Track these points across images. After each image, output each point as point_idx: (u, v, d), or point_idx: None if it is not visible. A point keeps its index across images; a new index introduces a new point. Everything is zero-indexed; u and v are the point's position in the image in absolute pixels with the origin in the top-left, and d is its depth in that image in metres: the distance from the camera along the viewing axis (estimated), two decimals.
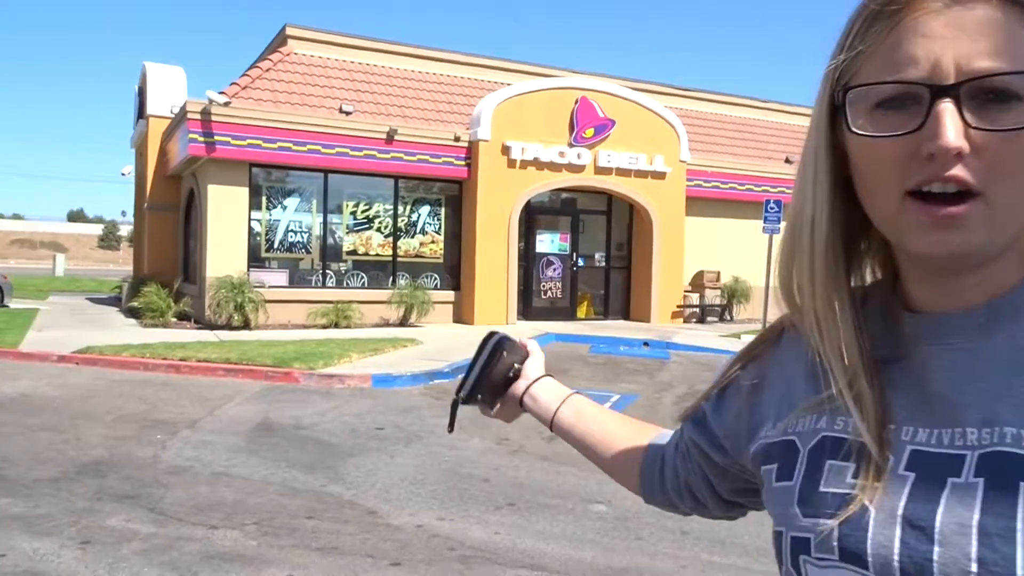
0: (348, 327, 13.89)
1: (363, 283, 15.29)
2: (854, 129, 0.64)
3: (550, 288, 16.67)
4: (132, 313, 15.37)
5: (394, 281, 15.35)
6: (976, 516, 0.57)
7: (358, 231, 15.26)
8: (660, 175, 16.72)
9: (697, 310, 17.55)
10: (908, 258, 0.68)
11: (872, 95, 0.63)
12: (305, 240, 14.86)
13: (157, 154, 17.68)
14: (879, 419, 0.65)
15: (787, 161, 19.37)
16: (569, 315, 16.72)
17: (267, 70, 15.40)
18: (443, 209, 15.94)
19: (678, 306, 17.09)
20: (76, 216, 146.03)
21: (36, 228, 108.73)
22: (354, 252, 15.27)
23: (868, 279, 0.75)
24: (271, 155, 13.89)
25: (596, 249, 17.38)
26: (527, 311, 16.21)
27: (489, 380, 1.11)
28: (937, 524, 0.59)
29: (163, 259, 17.71)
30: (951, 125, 0.59)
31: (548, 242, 16.64)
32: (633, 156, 16.33)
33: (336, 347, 10.82)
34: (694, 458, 0.93)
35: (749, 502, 0.92)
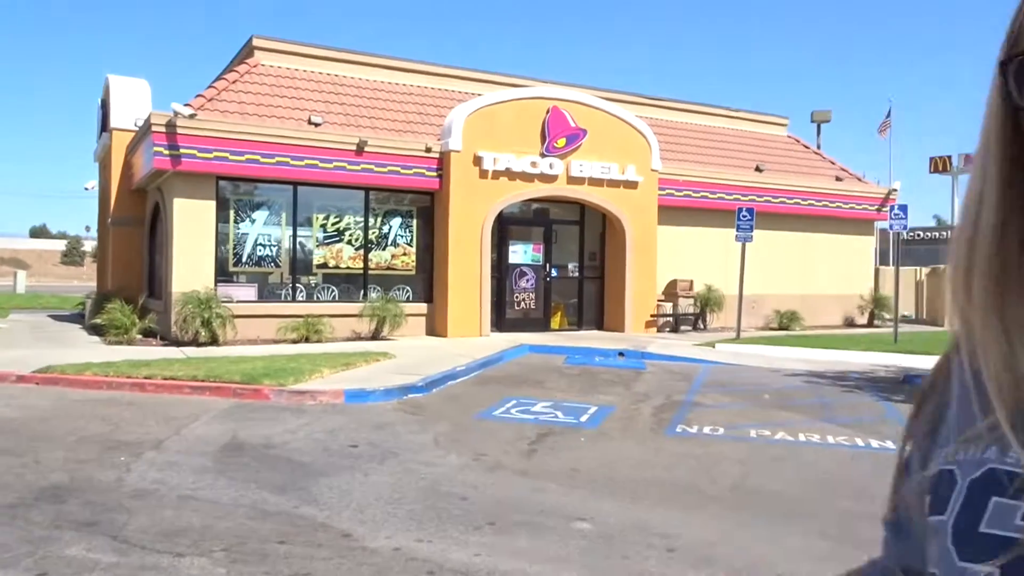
0: (319, 341, 13.64)
1: (334, 296, 15.05)
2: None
3: (524, 299, 16.56)
4: (95, 330, 14.95)
5: (365, 294, 15.13)
6: None
7: (328, 244, 15.03)
8: (632, 184, 16.72)
9: (671, 319, 17.54)
10: None
11: None
12: (274, 254, 14.59)
13: (121, 168, 17.28)
14: None
15: (758, 169, 19.51)
16: (543, 326, 16.61)
17: (233, 82, 15.16)
18: (415, 221, 15.77)
19: (652, 315, 17.07)
20: (39, 232, 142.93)
21: None
22: (324, 265, 15.02)
23: None
24: (238, 167, 13.64)
25: (569, 259, 17.32)
26: (501, 322, 16.08)
27: None
28: None
29: (128, 275, 17.29)
30: None
31: (521, 253, 16.54)
32: (605, 166, 16.32)
33: (307, 362, 10.58)
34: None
35: None
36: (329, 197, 14.97)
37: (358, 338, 14.40)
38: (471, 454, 6.58)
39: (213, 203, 13.76)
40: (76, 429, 7.26)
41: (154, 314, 14.40)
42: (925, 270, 23.80)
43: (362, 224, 15.24)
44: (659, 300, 17.47)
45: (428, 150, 15.08)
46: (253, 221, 14.37)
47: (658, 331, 17.16)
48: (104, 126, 18.43)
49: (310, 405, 8.63)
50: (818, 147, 27.39)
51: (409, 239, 15.71)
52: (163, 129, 13.02)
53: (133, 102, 17.22)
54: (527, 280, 16.53)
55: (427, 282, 15.73)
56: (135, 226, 17.27)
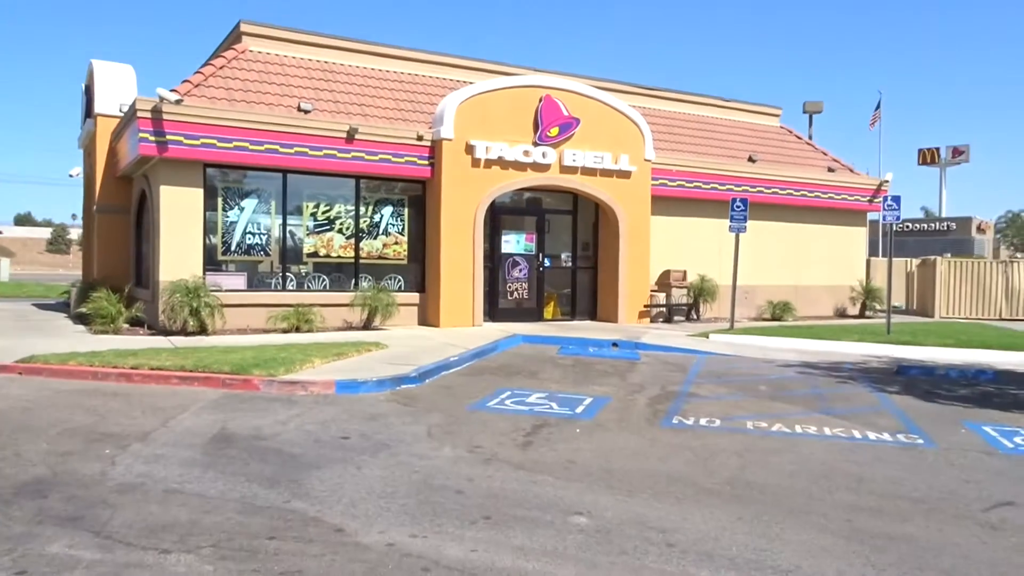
0: (310, 331, 13.48)
1: (325, 286, 14.87)
2: None
3: (516, 289, 16.43)
4: (81, 319, 14.73)
5: (357, 283, 14.97)
6: None
7: (319, 232, 14.84)
8: (625, 174, 16.60)
9: (664, 309, 17.47)
10: None
11: None
12: (264, 242, 14.39)
13: (106, 155, 17.00)
14: None
15: (751, 160, 19.41)
16: (536, 316, 16.50)
17: (221, 67, 14.91)
18: (406, 209, 15.60)
19: (645, 306, 16.98)
20: (23, 219, 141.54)
21: None
22: (315, 254, 14.84)
23: None
24: (226, 155, 13.41)
25: (562, 249, 17.20)
26: (493, 312, 15.95)
27: None
28: None
29: (114, 263, 17.04)
30: None
31: (514, 242, 16.40)
32: (598, 155, 16.18)
33: (298, 352, 10.42)
34: None
35: None
36: (319, 185, 14.77)
37: (350, 328, 14.24)
38: (465, 446, 6.47)
39: (201, 191, 13.54)
40: (59, 421, 7.09)
41: (141, 303, 14.19)
42: (915, 261, 23.84)
43: (353, 213, 15.05)
44: (652, 290, 17.39)
45: (420, 138, 14.90)
46: (242, 209, 14.16)
47: (651, 321, 17.08)
48: (88, 112, 18.12)
49: (301, 396, 8.49)
50: (810, 138, 27.35)
51: (401, 228, 15.54)
52: (148, 115, 12.78)
53: (118, 88, 16.93)
54: (520, 270, 16.41)
55: (419, 271, 15.58)
56: (121, 213, 17.01)
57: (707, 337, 14.35)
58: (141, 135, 12.84)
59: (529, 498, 5.13)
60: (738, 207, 15.61)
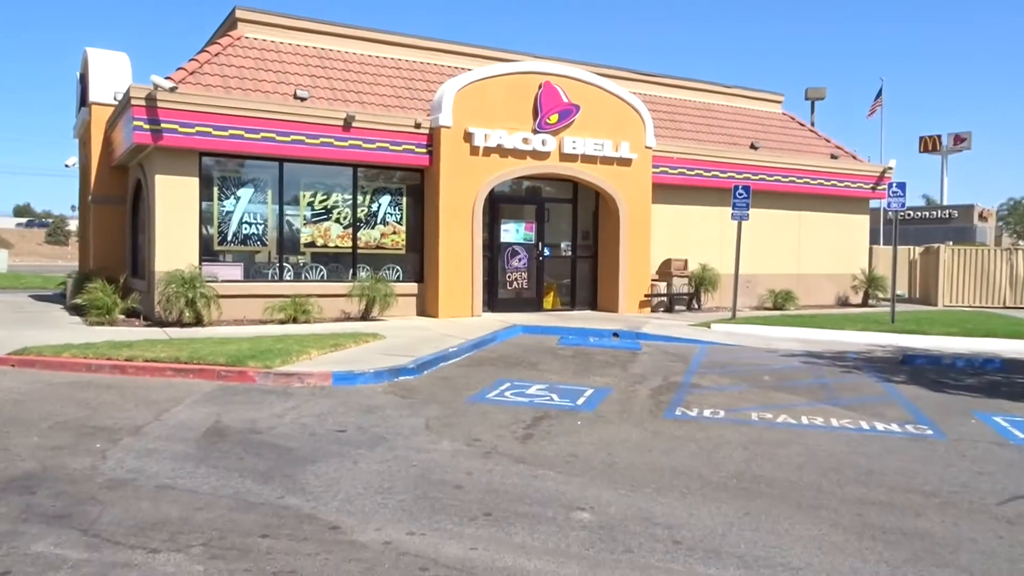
0: (307, 322, 13.32)
1: (322, 276, 14.71)
2: None
3: (516, 279, 16.27)
4: (77, 311, 14.57)
5: (354, 274, 14.80)
6: None
7: (316, 222, 14.66)
8: (626, 162, 16.40)
9: (665, 299, 17.31)
10: None
11: None
12: (260, 232, 14.21)
13: (101, 144, 16.79)
14: None
15: (753, 147, 19.21)
16: (536, 306, 16.35)
17: (216, 54, 14.69)
18: (404, 198, 15.41)
19: (646, 295, 16.83)
20: (22, 211, 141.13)
21: None
22: (312, 244, 14.66)
23: None
24: (222, 143, 13.22)
25: (562, 238, 17.02)
26: (493, 303, 15.80)
27: None
28: None
29: (110, 254, 16.87)
30: None
31: (513, 231, 16.23)
32: (598, 142, 15.99)
33: (294, 343, 10.27)
34: None
35: None
36: (316, 174, 14.58)
37: (347, 319, 14.09)
38: (464, 439, 6.33)
39: (196, 180, 13.36)
40: (51, 414, 6.95)
41: (137, 294, 14.03)
42: (918, 249, 23.66)
43: (350, 202, 14.87)
44: (653, 279, 17.23)
45: (417, 126, 14.70)
46: (238, 198, 13.98)
47: (652, 311, 16.93)
48: (83, 101, 17.91)
49: (297, 388, 8.34)
50: (812, 125, 27.12)
51: (399, 217, 15.36)
52: (143, 103, 12.58)
53: (112, 76, 16.71)
54: (519, 259, 16.24)
55: (418, 261, 15.41)
56: (117, 204, 16.83)
57: (709, 327, 14.20)
58: (135, 123, 12.65)
59: (530, 493, 4.99)
60: (740, 195, 15.43)
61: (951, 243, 24.39)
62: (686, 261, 17.60)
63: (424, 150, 14.82)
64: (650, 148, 16.76)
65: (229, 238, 13.94)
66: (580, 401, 7.92)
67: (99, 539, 4.12)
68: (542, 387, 8.57)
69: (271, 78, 14.70)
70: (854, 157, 21.42)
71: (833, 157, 20.69)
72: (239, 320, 13.37)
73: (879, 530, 4.51)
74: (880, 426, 7.10)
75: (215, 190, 13.75)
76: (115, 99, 15.94)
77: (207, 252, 13.64)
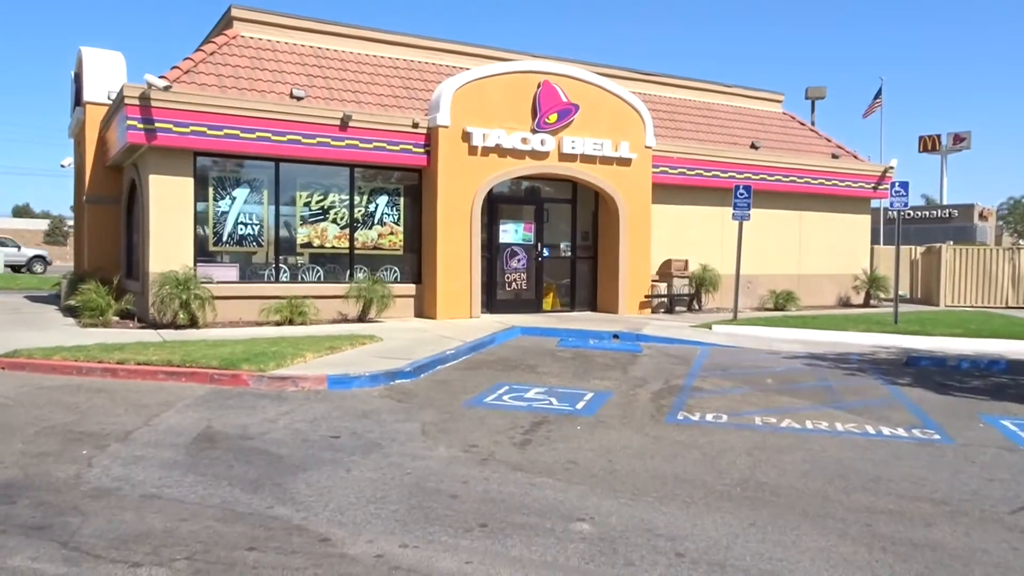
0: (303, 324, 13.17)
1: (319, 277, 14.55)
2: None
3: (515, 280, 16.11)
4: (71, 312, 14.41)
5: (351, 275, 14.64)
6: None
7: (313, 223, 14.50)
8: (626, 161, 16.25)
9: (665, 300, 17.16)
10: None
11: None
12: (256, 233, 14.05)
13: (96, 143, 16.63)
14: None
15: (753, 147, 19.06)
16: (535, 307, 16.19)
17: (211, 53, 14.54)
18: (402, 199, 15.25)
19: (646, 296, 16.67)
20: (22, 211, 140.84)
21: None
22: (309, 245, 14.50)
23: None
24: (217, 143, 13.06)
25: (561, 239, 16.86)
26: (491, 304, 15.64)
27: None
28: None
29: (104, 255, 16.70)
30: None
31: (512, 232, 16.08)
32: (598, 142, 15.83)
33: (289, 346, 10.11)
34: None
35: None
36: (313, 174, 14.42)
37: (344, 320, 13.93)
38: (461, 445, 6.17)
39: (191, 180, 13.20)
40: (38, 419, 6.79)
41: (131, 295, 13.86)
42: (920, 249, 23.52)
43: (347, 202, 14.71)
44: (653, 280, 17.07)
45: (415, 125, 14.54)
46: (234, 199, 13.82)
47: (652, 312, 16.78)
48: (77, 100, 17.75)
49: (291, 392, 8.19)
50: (813, 124, 26.97)
51: (396, 218, 15.20)
52: (136, 102, 12.42)
53: (107, 75, 16.54)
54: (518, 260, 16.08)
55: (415, 262, 15.26)
56: (111, 204, 16.67)
57: (710, 328, 14.05)
58: (129, 123, 12.49)
59: (528, 503, 4.83)
60: (741, 195, 15.27)
61: (951, 242, 24.25)
62: (686, 262, 17.45)
63: (422, 150, 14.67)
64: (650, 148, 16.61)
65: (224, 239, 13.78)
66: (580, 405, 7.76)
67: (79, 552, 3.96)
68: (541, 391, 8.42)
69: (267, 77, 14.55)
70: (855, 157, 21.27)
71: (834, 157, 20.54)
72: (234, 322, 13.21)
73: (889, 541, 4.35)
74: (886, 430, 6.95)
75: (210, 190, 13.59)
76: (109, 98, 15.77)
77: (202, 253, 13.48)
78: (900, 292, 21.91)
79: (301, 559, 3.91)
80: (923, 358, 11.22)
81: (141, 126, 12.50)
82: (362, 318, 13.99)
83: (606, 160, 16.04)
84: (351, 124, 13.93)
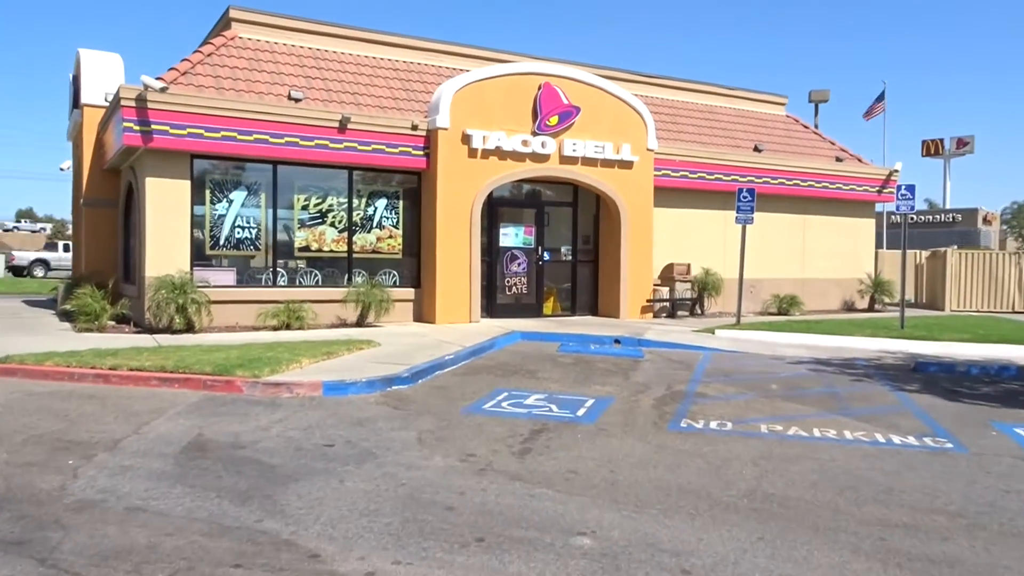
0: (301, 328, 13.00)
1: (317, 281, 14.38)
2: None
3: (515, 284, 15.93)
4: (67, 317, 14.25)
5: (350, 279, 14.47)
6: None
7: (311, 226, 14.34)
8: (627, 164, 16.08)
9: (667, 304, 16.97)
10: None
11: None
12: (254, 236, 13.89)
13: (93, 146, 16.49)
14: None
15: (757, 149, 18.89)
16: (535, 312, 16.01)
17: (209, 55, 14.39)
18: (401, 202, 15.09)
19: (648, 300, 16.49)
20: (25, 215, 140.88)
21: None
22: (307, 248, 14.34)
23: None
24: (214, 145, 12.90)
25: (562, 242, 16.69)
26: (491, 308, 15.46)
27: None
28: None
29: (102, 258, 16.55)
30: None
31: (512, 235, 15.91)
32: (599, 145, 15.67)
33: (285, 351, 9.94)
34: None
35: None
36: (311, 177, 14.27)
37: (343, 324, 13.76)
38: (458, 454, 5.99)
39: (188, 182, 13.05)
40: (26, 427, 6.62)
41: (127, 299, 13.70)
42: (924, 253, 23.32)
43: (346, 205, 14.55)
44: (655, 284, 16.89)
45: (414, 128, 14.38)
46: (231, 202, 13.66)
47: (654, 317, 16.59)
48: (75, 102, 17.62)
49: (286, 398, 8.01)
50: (816, 127, 26.79)
51: (395, 221, 15.04)
52: (133, 104, 12.27)
53: (105, 77, 16.41)
54: (519, 264, 15.91)
55: (415, 266, 15.08)
56: (109, 207, 16.51)
57: (713, 333, 13.86)
58: (125, 124, 12.34)
59: (527, 515, 4.65)
60: (745, 198, 15.10)
61: (955, 247, 24.06)
62: (689, 265, 17.27)
63: (421, 152, 14.51)
64: (652, 150, 16.44)
65: (221, 242, 13.61)
66: (580, 412, 7.58)
67: (56, 570, 3.78)
68: (541, 397, 8.24)
69: (265, 79, 14.40)
70: (859, 160, 21.09)
71: (838, 160, 20.36)
72: (231, 327, 13.04)
73: (904, 557, 4.16)
74: (896, 439, 6.76)
75: (207, 193, 13.43)
76: (106, 101, 15.64)
77: (199, 257, 13.32)
78: (907, 297, 21.72)
79: None
80: (931, 364, 11.03)
81: (137, 128, 12.35)
82: (360, 323, 13.81)
83: (607, 163, 15.87)
84: (350, 126, 13.77)
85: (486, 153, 14.70)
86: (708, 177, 17.63)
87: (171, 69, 13.58)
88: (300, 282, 14.22)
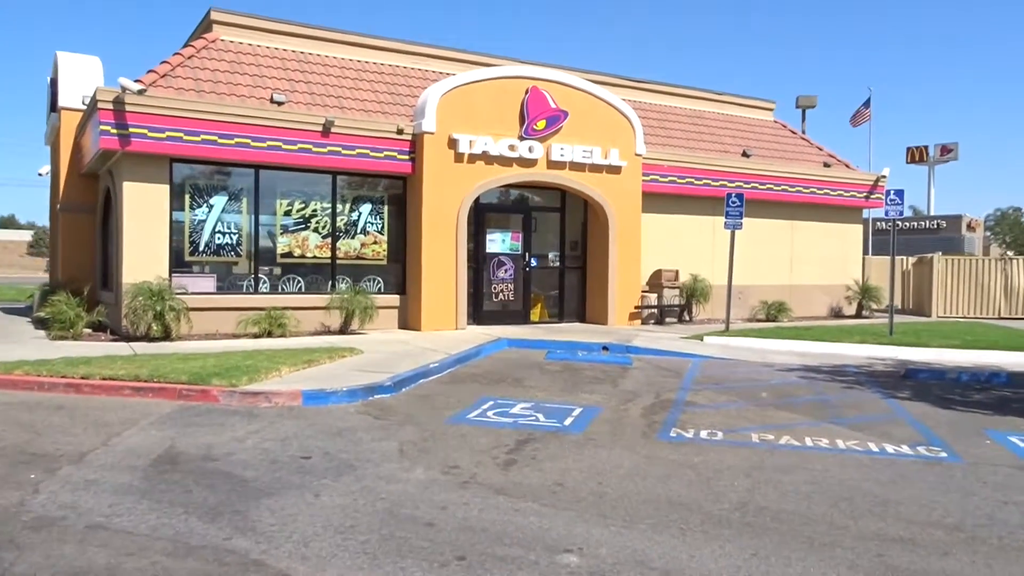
0: (283, 336, 12.73)
1: (300, 288, 14.12)
2: None
3: (502, 290, 15.73)
4: (42, 324, 13.92)
5: (333, 285, 14.22)
6: None
7: (293, 232, 14.09)
8: (615, 169, 15.93)
9: (656, 311, 16.82)
10: None
11: None
12: (235, 242, 13.62)
13: (71, 150, 16.18)
14: None
15: (745, 155, 18.80)
16: (522, 318, 15.81)
17: (189, 57, 14.14)
18: (386, 207, 14.86)
19: (636, 307, 16.33)
20: (6, 222, 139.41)
21: None
22: (289, 254, 14.08)
23: None
24: (194, 149, 12.65)
25: (550, 248, 16.51)
26: (478, 315, 15.25)
27: None
28: None
29: (79, 265, 16.22)
30: None
31: (499, 241, 15.71)
32: (587, 149, 15.51)
33: (265, 359, 9.68)
34: None
35: None
36: (294, 181, 14.03)
37: (326, 332, 13.51)
38: (440, 466, 5.77)
39: (167, 187, 12.78)
40: None
41: (104, 307, 13.38)
42: (911, 260, 23.31)
43: (329, 211, 14.30)
44: (643, 291, 16.74)
45: (400, 132, 14.18)
46: (211, 207, 13.39)
47: (642, 323, 16.43)
48: (53, 106, 17.31)
49: (264, 408, 7.76)
50: (803, 133, 26.79)
51: (380, 227, 14.81)
52: (110, 106, 12.00)
53: (83, 80, 16.12)
54: (505, 270, 15.71)
55: (400, 272, 14.85)
56: (86, 213, 16.20)
57: (702, 340, 13.71)
58: (103, 128, 12.07)
59: (510, 531, 4.43)
60: (734, 203, 14.98)
61: (940, 253, 24.07)
62: (677, 272, 17.13)
63: (407, 157, 14.30)
64: (640, 156, 16.31)
65: (201, 248, 13.34)
66: (568, 421, 7.37)
67: None
68: (527, 406, 8.03)
69: (247, 82, 14.17)
70: (847, 166, 21.06)
71: (826, 165, 20.32)
72: (211, 334, 12.77)
73: (904, 573, 3.98)
74: (890, 448, 6.60)
75: (187, 198, 13.17)
76: (84, 104, 15.35)
77: (178, 263, 13.04)
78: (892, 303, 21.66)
79: None
80: (921, 370, 10.90)
81: (115, 131, 12.08)
82: (344, 330, 13.57)
83: (595, 168, 15.72)
84: (333, 130, 13.55)
85: (473, 158, 14.51)
86: (696, 182, 17.51)
87: (150, 72, 13.33)
88: (282, 289, 13.96)
